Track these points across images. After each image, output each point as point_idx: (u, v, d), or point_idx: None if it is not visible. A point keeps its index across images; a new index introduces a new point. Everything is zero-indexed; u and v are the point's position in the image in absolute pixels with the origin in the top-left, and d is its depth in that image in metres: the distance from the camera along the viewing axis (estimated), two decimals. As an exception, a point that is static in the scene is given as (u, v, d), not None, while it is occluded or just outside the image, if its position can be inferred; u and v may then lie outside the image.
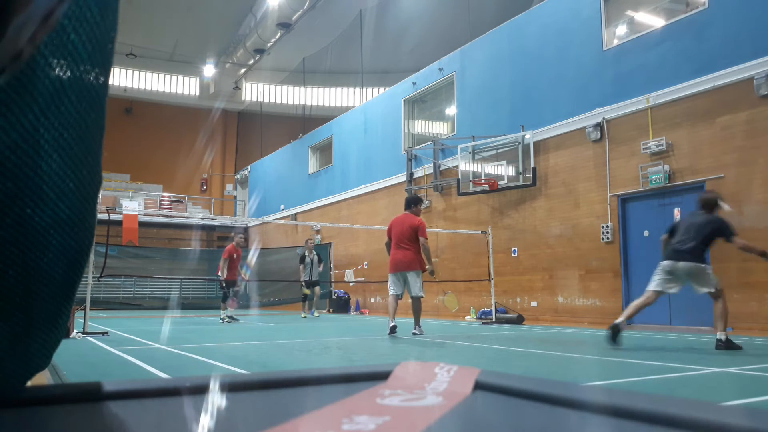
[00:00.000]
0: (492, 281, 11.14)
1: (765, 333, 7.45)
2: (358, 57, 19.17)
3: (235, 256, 10.70)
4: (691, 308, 8.97)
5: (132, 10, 19.60)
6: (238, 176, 26.27)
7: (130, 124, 25.15)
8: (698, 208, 6.06)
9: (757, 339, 6.55)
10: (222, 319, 10.62)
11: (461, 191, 12.78)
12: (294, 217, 19.76)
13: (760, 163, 8.15)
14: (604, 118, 10.24)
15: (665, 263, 5.82)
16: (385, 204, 15.75)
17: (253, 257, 11.57)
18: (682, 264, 5.73)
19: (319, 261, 13.01)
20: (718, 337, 5.56)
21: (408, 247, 7.21)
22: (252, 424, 0.50)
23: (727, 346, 5.46)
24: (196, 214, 22.52)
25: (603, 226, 10.15)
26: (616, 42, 10.48)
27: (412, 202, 7.65)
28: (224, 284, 10.83)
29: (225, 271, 10.65)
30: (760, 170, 8.15)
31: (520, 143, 11.64)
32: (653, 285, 5.82)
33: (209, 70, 26.03)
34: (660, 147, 9.25)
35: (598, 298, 10.23)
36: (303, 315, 12.73)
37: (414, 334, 7.06)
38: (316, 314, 13.21)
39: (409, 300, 7.48)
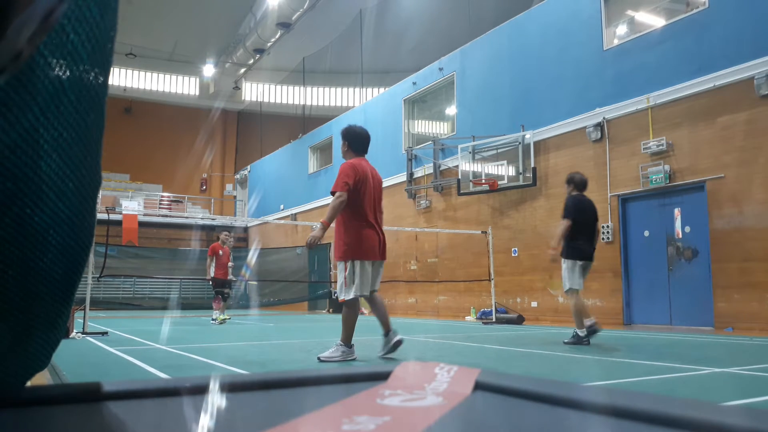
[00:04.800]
0: (492, 281, 11.14)
1: (765, 333, 7.45)
2: (358, 57, 19.17)
3: (221, 252, 10.54)
4: (691, 308, 8.98)
5: (132, 9, 19.59)
6: (237, 176, 26.27)
7: (129, 123, 25.15)
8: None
9: (758, 339, 6.55)
10: (214, 320, 10.47)
11: (461, 191, 12.78)
12: (294, 217, 19.76)
13: (760, 163, 8.14)
14: (604, 118, 10.24)
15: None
16: (384, 204, 15.70)
17: (252, 257, 11.44)
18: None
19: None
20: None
21: (380, 219, 4.93)
22: (252, 424, 0.50)
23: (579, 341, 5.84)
24: (196, 214, 22.50)
25: (603, 226, 10.14)
26: (616, 42, 10.48)
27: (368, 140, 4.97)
28: (213, 283, 10.69)
29: (212, 270, 10.51)
30: (760, 170, 8.15)
31: (520, 143, 11.64)
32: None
33: (209, 69, 26.03)
34: (660, 147, 9.25)
35: (598, 298, 10.22)
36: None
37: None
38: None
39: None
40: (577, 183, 6.26)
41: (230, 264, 10.89)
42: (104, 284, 17.14)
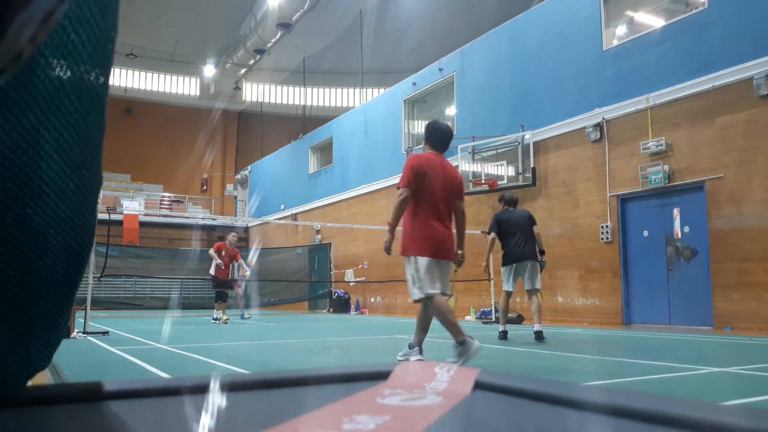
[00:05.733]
0: (492, 281, 11.13)
1: (764, 333, 7.45)
2: (358, 57, 19.17)
3: (223, 253, 10.61)
4: (690, 308, 8.98)
5: (132, 10, 19.59)
6: (238, 176, 26.27)
7: (130, 124, 25.14)
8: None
9: (757, 339, 6.55)
10: (215, 319, 10.51)
11: (461, 191, 12.76)
12: (294, 217, 19.76)
13: (759, 163, 8.14)
14: (603, 119, 10.24)
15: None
16: (385, 204, 15.74)
17: (252, 257, 11.47)
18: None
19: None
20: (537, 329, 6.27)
21: (450, 219, 4.44)
22: (252, 424, 0.50)
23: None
24: (197, 214, 22.51)
25: (602, 226, 10.14)
26: (615, 42, 10.48)
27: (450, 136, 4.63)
28: (214, 283, 10.75)
29: (213, 267, 10.60)
30: (759, 170, 8.15)
31: (519, 143, 11.64)
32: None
33: (209, 70, 26.02)
34: (659, 147, 9.25)
35: (597, 298, 10.23)
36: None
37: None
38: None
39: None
40: (507, 200, 7.19)
41: (246, 273, 11.03)
42: (105, 284, 17.14)
